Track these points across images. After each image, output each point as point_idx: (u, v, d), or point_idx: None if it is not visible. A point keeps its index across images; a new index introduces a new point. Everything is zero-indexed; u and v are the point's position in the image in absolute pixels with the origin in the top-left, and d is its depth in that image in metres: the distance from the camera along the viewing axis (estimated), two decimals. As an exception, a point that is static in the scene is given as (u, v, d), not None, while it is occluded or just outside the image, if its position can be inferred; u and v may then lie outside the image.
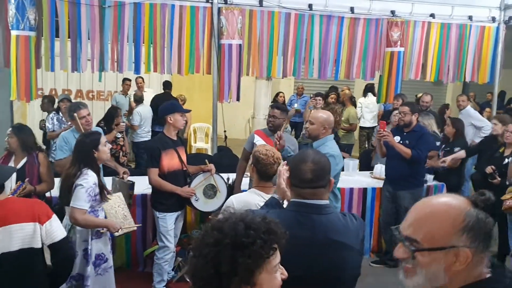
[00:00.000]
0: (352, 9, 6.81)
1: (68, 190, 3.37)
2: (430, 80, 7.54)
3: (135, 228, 3.97)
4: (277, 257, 1.44)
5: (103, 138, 3.60)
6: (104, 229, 3.53)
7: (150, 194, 4.48)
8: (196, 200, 4.24)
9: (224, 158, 6.26)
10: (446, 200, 1.36)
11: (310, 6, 6.62)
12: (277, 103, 4.90)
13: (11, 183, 3.70)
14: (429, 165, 5.68)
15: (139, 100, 8.14)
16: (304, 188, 1.97)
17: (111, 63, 6.23)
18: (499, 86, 8.05)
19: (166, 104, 4.38)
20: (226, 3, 6.27)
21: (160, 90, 9.10)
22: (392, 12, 6.94)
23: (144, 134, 8.07)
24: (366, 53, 7.01)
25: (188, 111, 4.77)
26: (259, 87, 8.24)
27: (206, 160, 4.37)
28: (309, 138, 3.94)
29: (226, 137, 7.05)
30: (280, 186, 2.29)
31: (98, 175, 3.47)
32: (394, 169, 5.10)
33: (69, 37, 6.08)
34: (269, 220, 1.45)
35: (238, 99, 6.51)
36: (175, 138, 4.26)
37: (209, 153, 7.38)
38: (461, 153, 5.75)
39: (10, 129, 4.20)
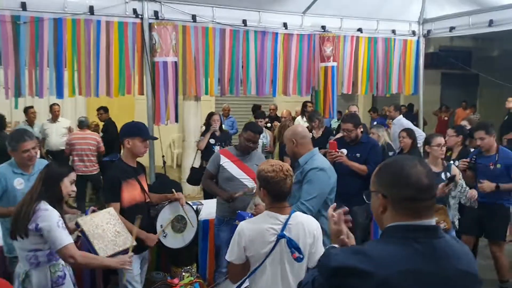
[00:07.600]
0: (285, 25, 6.70)
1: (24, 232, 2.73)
2: (361, 94, 7.64)
3: (132, 245, 3.22)
4: None
5: (73, 175, 3.00)
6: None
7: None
8: (164, 237, 3.69)
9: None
10: None
11: (244, 21, 6.37)
12: (251, 124, 4.51)
13: None
14: None
15: None
16: (421, 201, 1.49)
17: (28, 87, 5.43)
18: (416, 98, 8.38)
19: (129, 125, 3.70)
20: (157, 18, 5.81)
21: (75, 118, 8.30)
22: (323, 27, 6.95)
23: None
24: (300, 69, 6.91)
25: (155, 138, 4.25)
26: (188, 107, 7.81)
27: (173, 190, 3.79)
28: (293, 158, 3.60)
29: (164, 162, 6.51)
30: (339, 232, 2.00)
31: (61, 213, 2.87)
32: (347, 186, 4.93)
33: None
34: None
35: (176, 121, 6.03)
36: (135, 165, 3.66)
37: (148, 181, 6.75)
38: None
39: None
